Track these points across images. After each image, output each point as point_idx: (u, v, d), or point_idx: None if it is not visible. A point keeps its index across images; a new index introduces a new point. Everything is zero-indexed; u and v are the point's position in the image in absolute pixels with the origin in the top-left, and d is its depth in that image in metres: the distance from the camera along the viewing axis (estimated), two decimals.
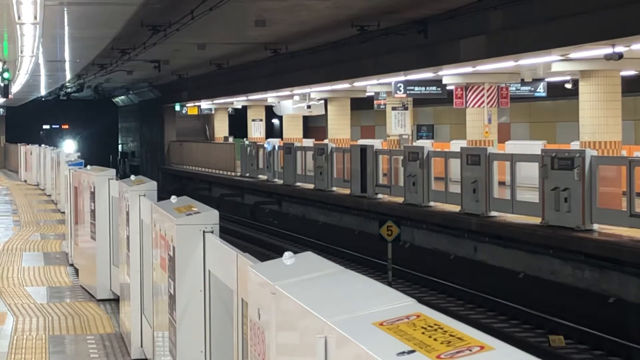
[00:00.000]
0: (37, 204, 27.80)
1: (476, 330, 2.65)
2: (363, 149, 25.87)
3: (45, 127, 73.93)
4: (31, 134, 64.89)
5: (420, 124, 43.44)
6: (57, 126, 75.52)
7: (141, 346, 8.89)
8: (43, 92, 51.20)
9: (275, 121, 56.69)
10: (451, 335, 2.65)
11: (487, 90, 26.28)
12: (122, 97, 65.46)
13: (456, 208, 20.98)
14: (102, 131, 72.65)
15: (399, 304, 3.07)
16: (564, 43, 18.99)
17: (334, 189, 28.26)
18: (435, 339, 2.64)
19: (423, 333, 2.71)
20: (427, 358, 2.53)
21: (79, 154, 26.11)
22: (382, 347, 2.67)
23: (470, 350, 2.50)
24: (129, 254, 9.31)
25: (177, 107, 52.84)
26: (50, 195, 29.68)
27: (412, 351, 2.59)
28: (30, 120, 68.14)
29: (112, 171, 12.65)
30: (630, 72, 24.94)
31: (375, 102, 35.55)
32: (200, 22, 22.56)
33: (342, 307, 3.13)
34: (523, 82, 28.42)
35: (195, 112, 52.27)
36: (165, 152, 55.17)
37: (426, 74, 27.21)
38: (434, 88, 28.68)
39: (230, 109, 52.75)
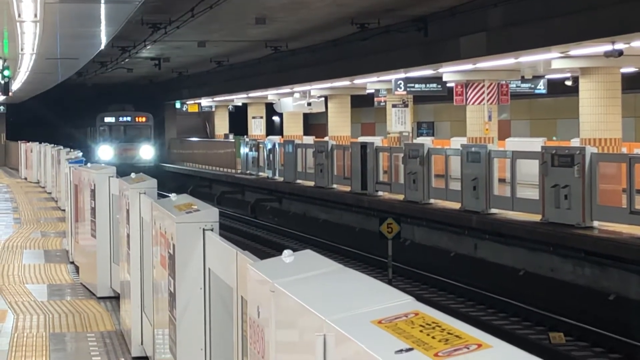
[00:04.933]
0: (38, 202, 27.80)
1: (474, 328, 2.67)
2: (363, 146, 25.87)
3: (108, 119, 50.27)
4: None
5: (421, 121, 43.46)
6: (128, 119, 50.76)
7: (141, 344, 8.90)
8: (43, 89, 51.07)
9: (276, 118, 56.68)
10: (449, 333, 2.66)
11: (487, 88, 26.29)
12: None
13: (456, 205, 20.98)
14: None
15: (398, 302, 3.08)
16: (564, 40, 18.99)
17: (335, 186, 28.25)
18: (433, 337, 2.65)
19: (421, 331, 2.72)
20: (425, 356, 2.54)
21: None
22: (380, 345, 2.69)
23: (468, 349, 2.51)
24: (129, 251, 9.32)
25: (178, 105, 52.78)
26: (50, 193, 29.68)
27: (410, 349, 2.60)
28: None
29: (113, 169, 12.66)
30: (631, 69, 24.94)
31: (375, 99, 35.55)
32: (200, 19, 22.57)
33: (341, 305, 3.14)
34: (523, 79, 28.42)
35: (195, 109, 52.25)
36: (166, 150, 55.14)
37: (426, 71, 27.22)
38: (434, 85, 28.69)
39: (230, 107, 52.76)
